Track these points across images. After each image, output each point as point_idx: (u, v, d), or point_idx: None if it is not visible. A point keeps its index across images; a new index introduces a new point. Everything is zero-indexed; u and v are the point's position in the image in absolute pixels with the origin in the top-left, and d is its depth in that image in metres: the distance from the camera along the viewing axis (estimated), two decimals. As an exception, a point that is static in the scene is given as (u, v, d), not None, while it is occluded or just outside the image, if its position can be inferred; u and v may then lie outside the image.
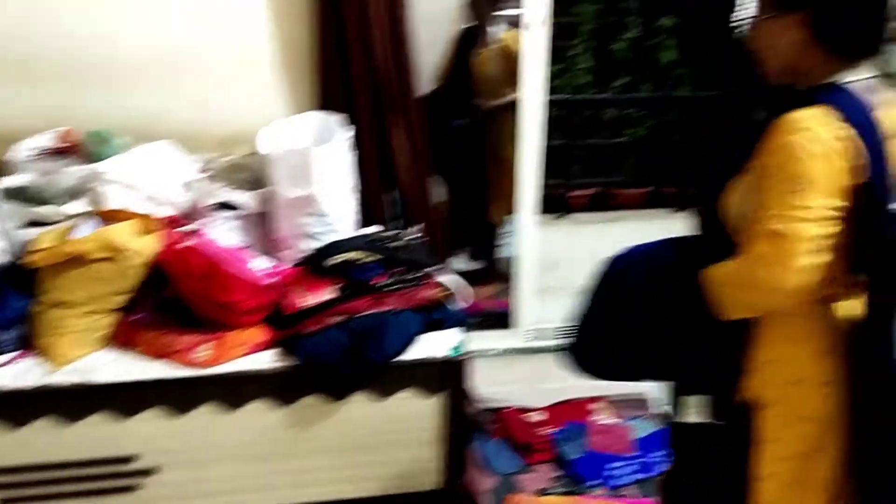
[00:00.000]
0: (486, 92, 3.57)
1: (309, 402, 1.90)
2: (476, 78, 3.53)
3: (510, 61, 3.42)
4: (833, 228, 1.21)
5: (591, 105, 3.91)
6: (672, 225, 3.73)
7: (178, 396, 1.81)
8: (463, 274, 3.88)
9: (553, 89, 3.87)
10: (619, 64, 3.93)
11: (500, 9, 3.42)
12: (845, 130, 1.18)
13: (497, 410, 2.76)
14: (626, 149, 3.95)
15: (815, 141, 1.18)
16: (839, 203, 1.20)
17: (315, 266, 1.97)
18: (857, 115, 1.19)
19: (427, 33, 4.36)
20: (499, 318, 3.16)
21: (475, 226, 4.01)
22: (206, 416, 1.84)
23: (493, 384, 2.79)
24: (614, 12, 3.92)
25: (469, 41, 3.42)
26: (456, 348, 1.95)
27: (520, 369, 2.88)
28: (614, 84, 3.94)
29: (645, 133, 3.93)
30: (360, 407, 1.92)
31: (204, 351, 1.80)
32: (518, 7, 2.83)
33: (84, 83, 2.21)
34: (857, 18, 1.19)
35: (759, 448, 1.41)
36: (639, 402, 2.88)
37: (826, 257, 1.22)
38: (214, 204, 2.06)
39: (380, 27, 2.23)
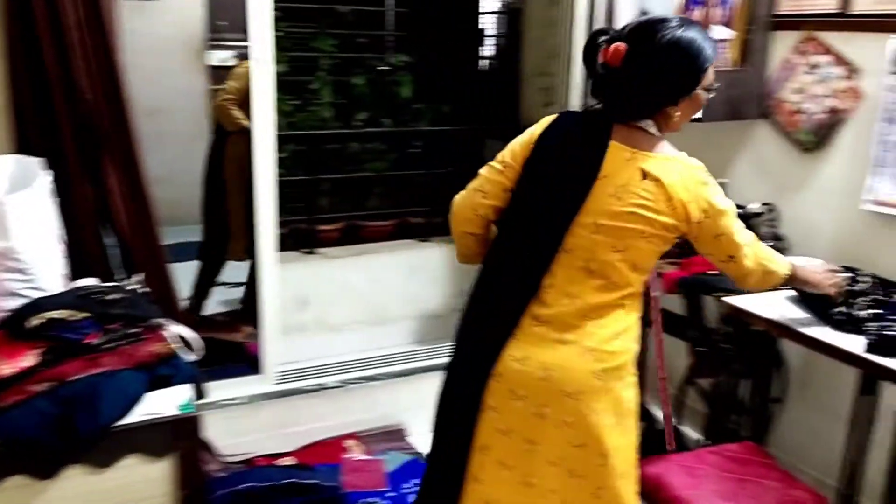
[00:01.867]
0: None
1: (15, 484, 1.66)
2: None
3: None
4: (500, 175, 1.70)
5: (333, 139, 3.92)
6: (420, 254, 3.85)
7: None
8: (215, 317, 3.78)
9: (294, 124, 3.85)
10: (359, 99, 3.98)
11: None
12: (542, 126, 1.69)
13: (246, 461, 2.63)
14: (372, 182, 4.00)
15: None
16: (507, 158, 1.71)
17: (14, 329, 1.74)
18: (559, 121, 1.69)
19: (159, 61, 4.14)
20: (247, 363, 3.04)
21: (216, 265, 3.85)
22: None
23: (240, 434, 2.66)
24: (352, 47, 3.97)
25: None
26: (186, 405, 1.82)
27: (270, 415, 2.78)
28: (356, 119, 3.99)
29: (388, 166, 4.01)
30: (76, 482, 1.71)
31: None
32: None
33: None
34: None
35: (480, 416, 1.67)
36: (392, 434, 2.90)
37: (490, 195, 1.71)
38: None
39: (84, 58, 2.05)
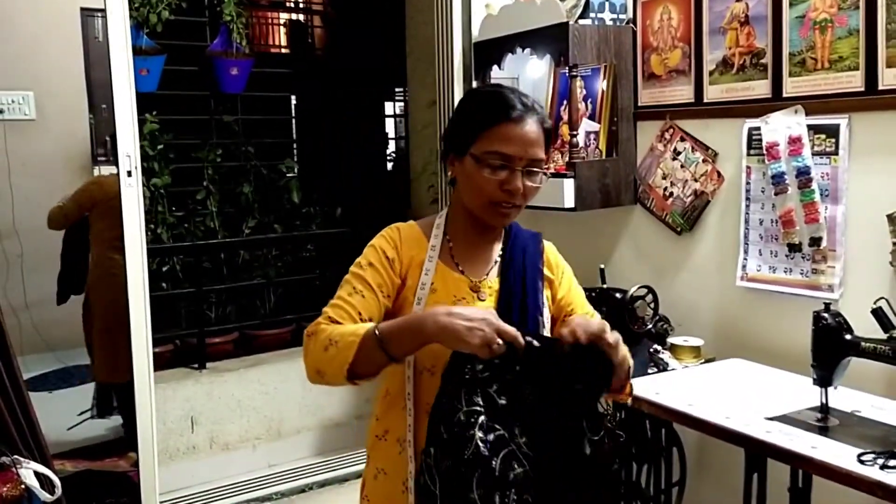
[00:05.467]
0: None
1: None
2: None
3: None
4: None
5: (221, 249, 3.82)
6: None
7: None
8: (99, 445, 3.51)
9: (180, 236, 3.74)
10: (247, 206, 3.92)
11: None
12: None
13: None
14: (264, 289, 3.90)
15: None
16: None
17: None
18: None
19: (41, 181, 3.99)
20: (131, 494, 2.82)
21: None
22: None
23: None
24: (237, 156, 3.94)
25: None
26: (36, 553, 1.64)
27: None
28: (245, 226, 3.91)
29: (280, 272, 3.93)
30: None
31: None
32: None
33: None
34: None
35: None
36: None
37: None
38: None
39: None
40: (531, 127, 1.34)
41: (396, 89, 4.60)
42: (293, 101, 4.54)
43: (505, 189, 1.33)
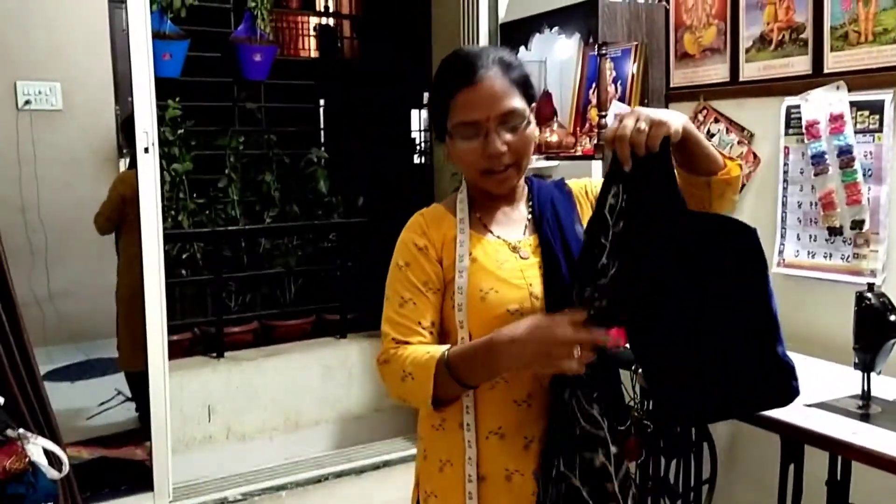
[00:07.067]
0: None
1: None
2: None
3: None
4: None
5: (241, 236, 3.77)
6: (336, 352, 3.67)
7: None
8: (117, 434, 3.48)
9: (200, 223, 3.70)
10: (268, 195, 3.87)
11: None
12: None
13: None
14: (285, 279, 3.84)
15: None
16: None
17: None
18: None
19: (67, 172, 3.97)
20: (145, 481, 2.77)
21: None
22: None
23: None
24: (259, 144, 3.90)
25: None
26: (37, 528, 1.58)
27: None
28: (267, 215, 3.87)
29: (300, 261, 3.88)
30: None
31: None
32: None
33: None
34: None
35: None
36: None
37: None
38: None
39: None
40: (490, 83, 1.27)
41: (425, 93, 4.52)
42: (321, 102, 4.49)
43: (487, 155, 1.28)
